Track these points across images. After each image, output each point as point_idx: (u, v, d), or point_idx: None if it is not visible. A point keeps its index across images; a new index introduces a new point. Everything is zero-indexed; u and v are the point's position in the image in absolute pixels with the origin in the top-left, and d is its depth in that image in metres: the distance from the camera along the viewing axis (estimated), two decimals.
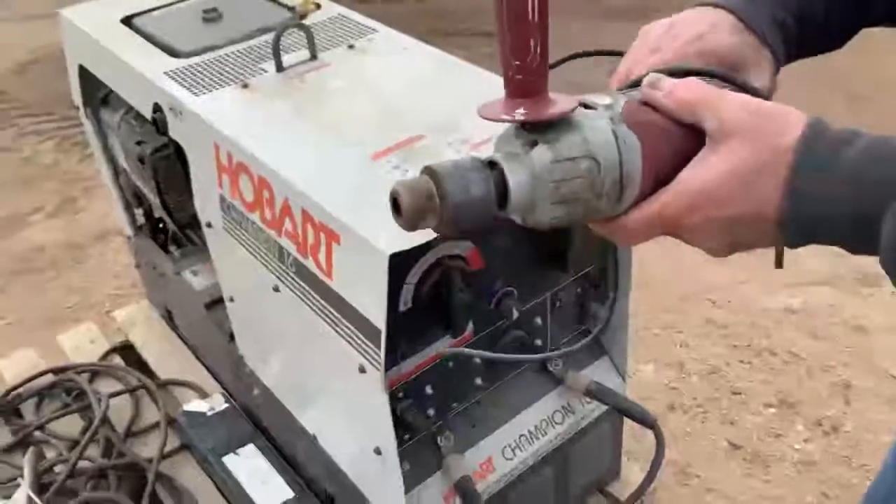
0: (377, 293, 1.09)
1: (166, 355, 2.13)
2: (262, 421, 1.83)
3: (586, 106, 0.68)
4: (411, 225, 0.64)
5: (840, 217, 0.60)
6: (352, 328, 1.19)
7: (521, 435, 1.48)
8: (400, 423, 1.26)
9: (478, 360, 1.34)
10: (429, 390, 1.30)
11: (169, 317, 2.20)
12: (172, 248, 2.08)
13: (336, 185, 1.20)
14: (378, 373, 1.16)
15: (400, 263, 1.10)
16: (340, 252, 1.16)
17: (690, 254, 2.75)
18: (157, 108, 1.55)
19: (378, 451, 1.29)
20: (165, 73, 1.54)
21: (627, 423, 1.69)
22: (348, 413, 1.36)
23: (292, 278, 1.30)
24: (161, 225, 2.13)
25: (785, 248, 0.69)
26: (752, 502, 1.83)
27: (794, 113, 0.64)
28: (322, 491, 1.68)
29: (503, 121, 0.65)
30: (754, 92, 0.73)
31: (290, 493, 1.67)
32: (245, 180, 1.34)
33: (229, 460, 1.75)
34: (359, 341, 1.18)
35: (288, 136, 1.34)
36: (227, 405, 1.89)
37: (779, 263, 0.75)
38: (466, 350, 1.17)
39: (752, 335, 2.30)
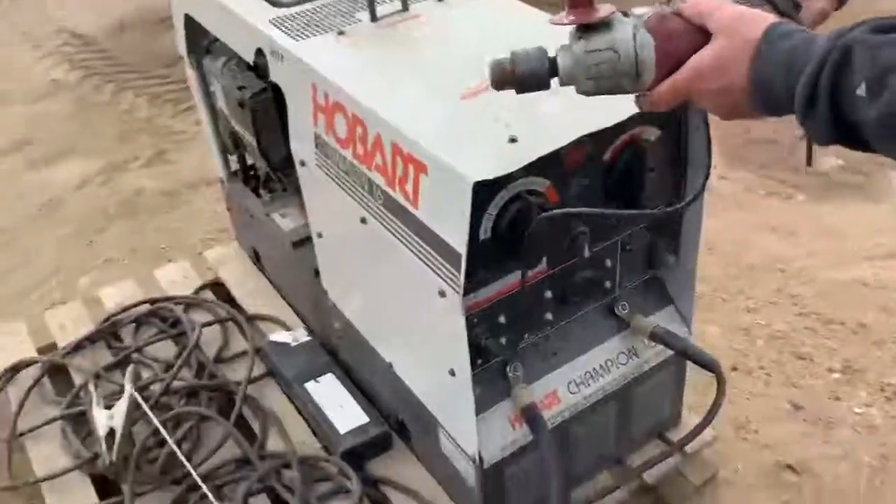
0: (460, 219, 1.19)
1: (253, 292, 2.27)
2: (340, 353, 1.95)
3: (626, 14, 0.96)
4: (497, 85, 1.02)
5: (779, 89, 0.85)
6: (434, 254, 1.28)
7: (587, 372, 1.56)
8: (474, 348, 1.34)
9: (549, 295, 1.42)
10: (502, 319, 1.39)
11: (256, 257, 2.34)
12: (263, 192, 2.22)
13: (426, 121, 1.29)
14: (457, 296, 1.25)
15: (482, 193, 1.18)
16: (427, 182, 1.25)
17: (762, 227, 2.75)
18: (259, 53, 1.67)
19: (452, 373, 1.39)
20: (269, 20, 1.66)
21: (690, 377, 1.75)
22: (425, 338, 1.45)
23: (379, 209, 1.41)
24: (252, 171, 2.27)
25: (813, 147, 1.01)
26: (810, 460, 1.86)
27: (767, 18, 0.89)
28: (393, 417, 1.79)
29: (559, 24, 0.97)
30: (784, 11, 1.06)
31: (364, 419, 1.80)
32: (340, 118, 1.44)
33: (310, 386, 1.89)
34: (440, 266, 1.27)
35: (381, 79, 1.44)
36: (308, 338, 2.03)
37: (809, 161, 1.06)
38: (570, 210, 1.26)
39: (821, 305, 2.31)
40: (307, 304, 2.07)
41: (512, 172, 1.19)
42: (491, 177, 1.16)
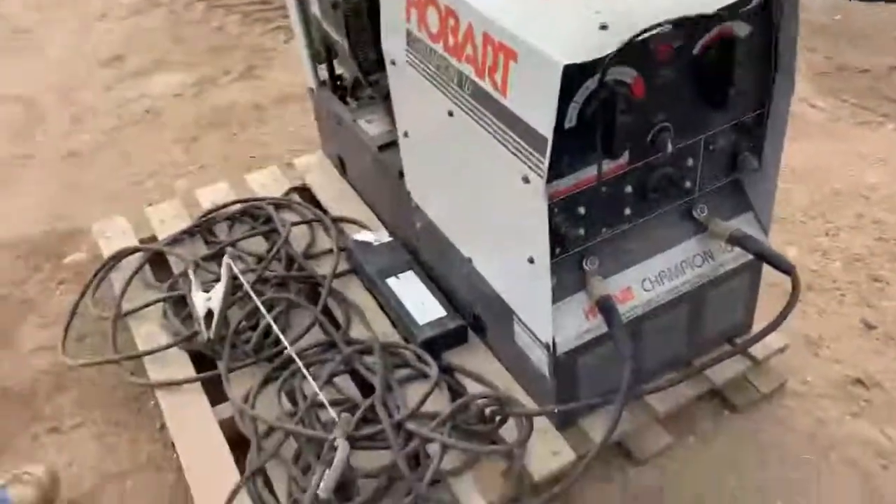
0: (547, 104, 1.23)
1: (337, 197, 2.37)
2: (420, 252, 2.04)
3: None
4: None
5: None
6: (520, 141, 1.33)
7: (662, 271, 1.60)
8: (553, 235, 1.40)
9: (629, 190, 1.46)
10: (581, 210, 1.44)
11: (341, 165, 2.44)
12: (350, 100, 2.30)
13: (516, 10, 1.33)
14: (541, 181, 1.31)
15: (570, 79, 1.22)
16: (516, 69, 1.30)
17: (849, 154, 2.70)
18: None
19: (531, 261, 1.45)
20: None
21: (764, 294, 1.77)
22: (506, 227, 1.51)
23: (467, 101, 1.46)
24: (340, 80, 2.35)
25: None
26: (881, 376, 1.87)
27: None
28: (469, 312, 1.88)
29: None
30: None
31: (442, 312, 1.89)
32: (432, 12, 1.49)
33: (391, 282, 1.98)
34: (525, 153, 1.33)
35: None
36: (390, 238, 2.12)
37: None
38: None
39: None
40: (390, 207, 2.15)
41: (601, 59, 1.23)
42: (581, 61, 1.20)
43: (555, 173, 1.35)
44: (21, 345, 2.17)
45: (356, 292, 2.05)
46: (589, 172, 1.40)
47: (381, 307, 1.99)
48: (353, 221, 2.26)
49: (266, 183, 2.46)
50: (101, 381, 2.03)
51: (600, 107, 1.29)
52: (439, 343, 1.85)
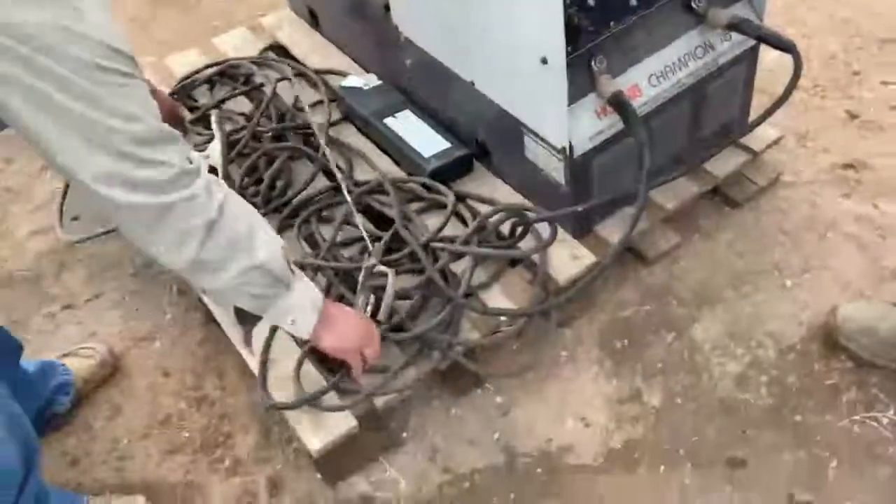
0: None
1: (313, 50, 2.31)
2: (412, 92, 2.02)
3: None
4: None
5: None
6: None
7: (666, 66, 1.62)
8: (566, 30, 1.40)
9: None
10: (591, 2, 1.44)
11: (312, 18, 2.36)
12: None
13: None
14: None
15: None
16: None
17: None
18: None
19: (544, 61, 1.46)
20: None
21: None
22: (516, 33, 1.50)
23: None
24: None
25: None
26: (866, 157, 1.96)
27: None
28: (472, 141, 1.89)
29: None
30: None
31: (446, 144, 1.89)
32: None
33: (389, 121, 1.97)
34: None
35: None
36: (379, 81, 2.09)
37: None
38: None
39: (873, 27, 2.33)
40: (374, 49, 2.11)
41: None
42: None
43: None
44: (16, 231, 2.13)
45: (352, 138, 2.04)
46: None
47: (381, 148, 1.99)
48: (336, 72, 2.22)
49: (237, 45, 2.38)
50: (107, 257, 2.02)
51: None
52: (447, 173, 1.86)
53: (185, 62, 2.31)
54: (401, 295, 1.61)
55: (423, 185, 1.86)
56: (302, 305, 1.28)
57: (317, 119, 2.05)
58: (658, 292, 1.78)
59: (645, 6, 1.53)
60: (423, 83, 1.96)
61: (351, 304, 1.49)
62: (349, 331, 1.37)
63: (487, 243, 1.71)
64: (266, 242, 1.18)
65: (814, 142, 2.04)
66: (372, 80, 2.10)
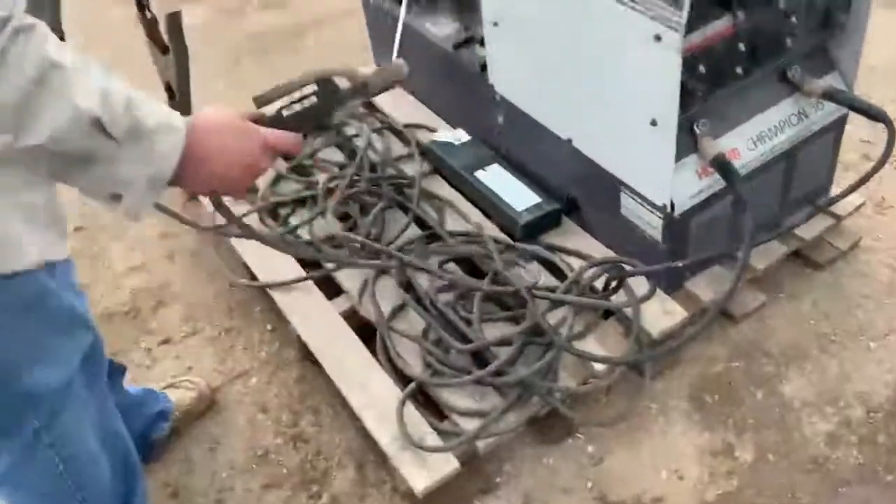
0: None
1: (400, 104, 2.41)
2: (502, 147, 2.11)
3: None
4: None
5: None
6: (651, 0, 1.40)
7: (763, 131, 1.70)
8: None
9: (741, 48, 1.54)
10: (701, 69, 1.52)
11: None
12: (411, 4, 2.32)
13: None
14: (676, 35, 1.38)
15: None
16: None
17: None
18: None
19: (654, 123, 1.53)
20: None
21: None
22: (624, 94, 1.58)
23: None
24: None
25: None
26: None
27: None
28: (562, 195, 1.96)
29: None
30: None
31: (536, 198, 1.97)
32: None
33: (480, 175, 2.05)
34: (658, 10, 1.39)
35: None
36: (468, 136, 2.18)
37: None
38: None
39: None
40: (463, 105, 2.21)
41: None
42: None
43: (686, 29, 1.41)
44: (113, 267, 2.21)
45: (442, 190, 2.11)
46: (712, 29, 1.47)
47: (471, 200, 2.06)
48: (424, 126, 2.31)
49: None
50: (203, 293, 2.09)
51: None
52: (538, 226, 1.93)
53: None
54: (501, 341, 1.67)
55: (513, 237, 1.93)
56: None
57: (409, 171, 2.14)
58: (746, 349, 1.82)
59: (747, 74, 1.60)
60: (514, 139, 2.05)
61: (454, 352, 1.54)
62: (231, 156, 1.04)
63: (582, 295, 1.76)
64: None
65: (892, 208, 2.09)
66: (461, 135, 2.18)
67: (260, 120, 1.10)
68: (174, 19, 1.41)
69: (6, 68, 0.84)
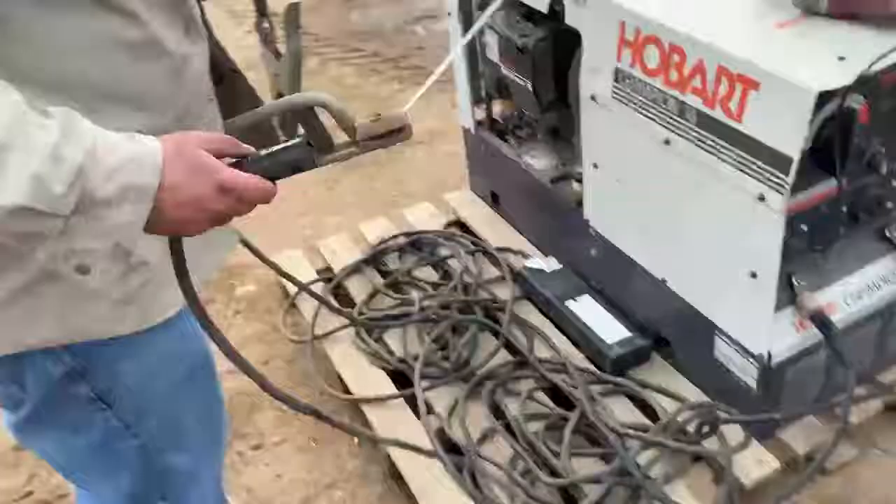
0: (796, 127, 1.37)
1: (492, 229, 2.51)
2: (593, 278, 2.16)
3: None
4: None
5: None
6: (757, 162, 1.47)
7: (861, 288, 1.71)
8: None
9: (843, 209, 1.58)
10: (803, 227, 1.56)
11: (494, 199, 2.58)
12: (509, 138, 2.45)
13: (752, 46, 1.48)
14: (780, 198, 1.44)
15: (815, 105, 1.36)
16: (757, 97, 1.43)
17: None
18: (556, 1, 1.89)
19: (753, 275, 1.57)
20: None
21: None
22: (725, 245, 1.63)
23: (690, 129, 1.60)
24: (494, 122, 2.50)
25: None
26: None
27: None
28: (653, 330, 1.98)
29: None
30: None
31: (627, 332, 2.00)
32: (652, 50, 1.64)
33: (571, 305, 2.10)
34: (763, 172, 1.46)
35: (693, 13, 1.62)
36: (560, 265, 2.25)
37: None
38: None
39: None
40: (557, 235, 2.28)
41: (837, 88, 1.36)
42: (831, 88, 1.34)
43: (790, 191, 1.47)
44: None
45: (532, 316, 2.17)
46: (814, 191, 1.52)
47: (560, 329, 2.11)
48: (515, 251, 2.39)
49: (422, 217, 2.60)
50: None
51: (837, 130, 1.42)
52: (628, 361, 1.95)
53: (376, 229, 2.55)
54: (590, 479, 1.68)
55: (602, 369, 1.95)
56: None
57: (500, 295, 2.21)
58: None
59: (848, 232, 1.64)
60: (606, 272, 2.10)
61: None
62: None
63: (674, 437, 1.76)
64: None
65: None
66: (553, 264, 2.25)
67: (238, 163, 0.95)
68: (293, 10, 1.37)
69: None
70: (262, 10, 1.44)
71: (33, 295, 0.97)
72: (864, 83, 1.38)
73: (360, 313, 2.20)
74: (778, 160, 1.42)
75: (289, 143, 0.98)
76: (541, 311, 2.18)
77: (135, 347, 1.10)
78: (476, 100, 2.47)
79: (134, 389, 1.14)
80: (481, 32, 2.26)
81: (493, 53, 2.23)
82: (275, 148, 0.98)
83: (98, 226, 0.83)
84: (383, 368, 2.06)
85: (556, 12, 1.90)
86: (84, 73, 0.93)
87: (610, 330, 2.01)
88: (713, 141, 1.55)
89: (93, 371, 1.09)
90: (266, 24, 1.44)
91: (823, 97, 1.37)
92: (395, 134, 1.01)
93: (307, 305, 2.28)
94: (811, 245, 1.59)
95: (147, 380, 1.15)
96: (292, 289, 2.34)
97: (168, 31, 1.01)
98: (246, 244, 1.79)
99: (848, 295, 1.70)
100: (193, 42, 1.08)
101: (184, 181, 0.88)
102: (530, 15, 2.07)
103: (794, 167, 1.39)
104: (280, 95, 1.42)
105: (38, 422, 1.14)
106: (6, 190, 0.76)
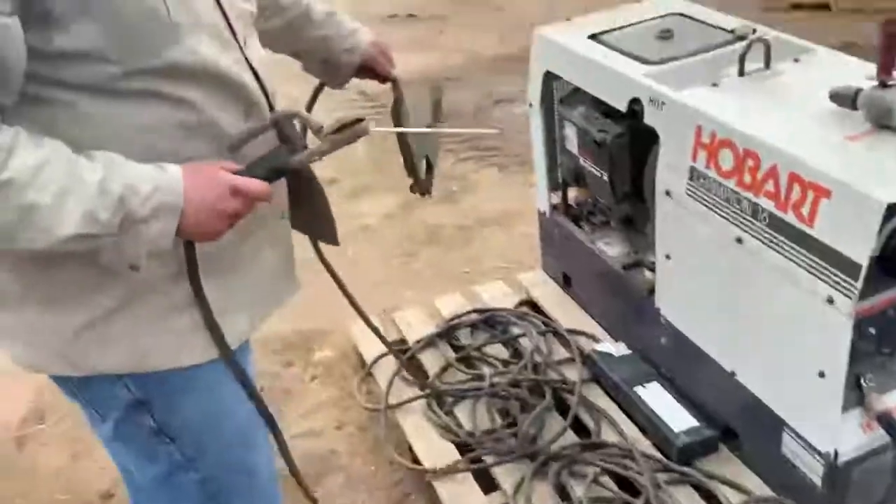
0: (864, 235, 1.43)
1: (563, 310, 2.58)
2: (662, 365, 2.21)
3: None
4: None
5: None
6: (826, 266, 1.52)
7: None
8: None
9: None
10: (871, 330, 1.60)
11: (566, 281, 2.66)
12: (583, 224, 2.55)
13: (825, 156, 1.55)
14: (849, 301, 1.49)
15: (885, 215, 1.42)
16: (828, 204, 1.50)
17: None
18: (634, 101, 2.00)
19: (821, 375, 1.61)
20: (644, 74, 2.00)
21: None
22: (793, 344, 1.68)
23: (762, 230, 1.67)
24: (569, 207, 2.61)
25: None
26: None
27: None
28: (721, 422, 2.01)
29: None
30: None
31: (695, 422, 2.03)
32: (726, 153, 1.73)
33: (639, 390, 2.15)
34: (832, 276, 1.51)
35: (767, 120, 1.72)
36: (629, 350, 2.30)
37: None
38: None
39: None
40: (627, 321, 2.35)
41: None
42: None
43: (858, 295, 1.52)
44: (286, 431, 2.41)
45: (600, 399, 2.22)
46: (882, 297, 1.57)
47: (628, 414, 2.15)
48: (586, 334, 2.46)
49: (496, 295, 2.70)
50: (364, 467, 2.25)
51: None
52: (695, 450, 1.98)
53: (449, 304, 2.65)
54: None
55: (668, 456, 1.99)
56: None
57: (569, 376, 2.27)
58: None
59: None
60: (675, 360, 2.15)
61: None
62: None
63: None
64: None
65: None
66: (622, 349, 2.31)
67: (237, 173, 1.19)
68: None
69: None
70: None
71: (108, 322, 1.18)
72: None
73: (433, 385, 2.29)
74: (847, 266, 1.48)
75: (269, 151, 1.23)
76: (608, 395, 2.23)
77: (194, 382, 1.27)
78: (553, 186, 2.59)
79: (192, 426, 1.30)
80: (561, 125, 2.39)
81: (572, 145, 2.35)
82: (258, 157, 1.22)
83: (139, 238, 1.08)
84: (452, 441, 2.13)
85: (634, 112, 2.01)
86: (133, 151, 1.10)
87: (678, 418, 2.05)
88: (784, 243, 1.62)
89: (153, 402, 1.26)
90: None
91: (892, 209, 1.43)
92: (353, 125, 1.23)
93: (382, 374, 2.39)
94: (879, 348, 1.62)
95: (205, 417, 1.31)
96: (369, 357, 2.46)
97: (224, 114, 1.19)
98: (352, 304, 1.98)
99: None
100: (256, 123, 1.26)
101: (201, 192, 1.12)
102: (609, 112, 2.19)
103: (862, 273, 1.45)
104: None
105: (119, 440, 1.31)
106: (63, 224, 1.02)
